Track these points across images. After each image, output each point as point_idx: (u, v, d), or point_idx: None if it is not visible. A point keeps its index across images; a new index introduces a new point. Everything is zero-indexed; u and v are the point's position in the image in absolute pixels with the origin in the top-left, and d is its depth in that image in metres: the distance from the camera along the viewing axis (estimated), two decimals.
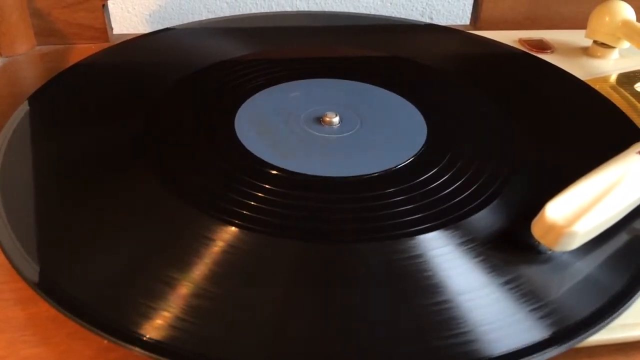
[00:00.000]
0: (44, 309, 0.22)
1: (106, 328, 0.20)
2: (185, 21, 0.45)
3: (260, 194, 0.26)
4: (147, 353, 0.20)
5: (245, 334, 0.21)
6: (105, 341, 0.20)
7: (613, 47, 0.43)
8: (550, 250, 0.24)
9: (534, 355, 0.20)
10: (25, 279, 0.22)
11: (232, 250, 0.23)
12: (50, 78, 0.35)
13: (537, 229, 0.24)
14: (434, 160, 0.29)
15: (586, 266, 0.24)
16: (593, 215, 0.23)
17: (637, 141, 0.28)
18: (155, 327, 0.20)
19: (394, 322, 0.21)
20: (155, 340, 0.20)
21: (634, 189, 0.25)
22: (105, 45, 0.41)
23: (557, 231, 0.23)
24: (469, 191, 0.27)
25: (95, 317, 0.20)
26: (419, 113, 0.33)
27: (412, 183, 0.28)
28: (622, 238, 0.25)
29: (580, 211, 0.23)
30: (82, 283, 0.22)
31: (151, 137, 0.30)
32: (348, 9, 0.60)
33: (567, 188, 0.24)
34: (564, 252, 0.24)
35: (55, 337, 0.22)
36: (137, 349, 0.20)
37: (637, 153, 0.26)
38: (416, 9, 0.61)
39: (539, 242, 0.24)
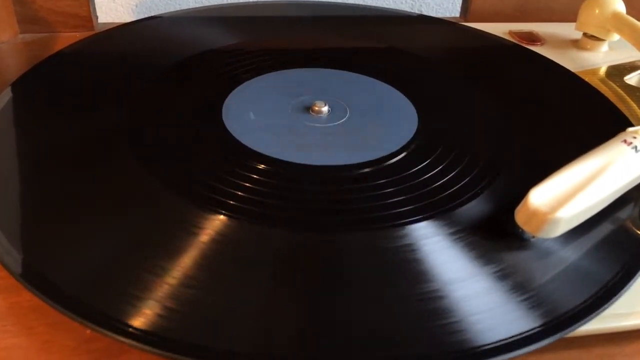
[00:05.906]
0: (26, 298, 0.22)
1: (91, 317, 0.20)
2: (172, 10, 0.44)
3: (248, 183, 0.26)
4: (131, 342, 0.19)
5: (232, 323, 0.20)
6: (88, 331, 0.20)
7: (603, 40, 0.43)
8: (534, 237, 0.24)
9: (526, 345, 0.20)
10: (7, 268, 0.21)
11: (219, 239, 0.23)
12: (34, 65, 0.34)
13: (520, 215, 0.24)
14: (424, 151, 0.29)
15: (578, 255, 0.24)
16: (577, 202, 0.23)
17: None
18: (141, 315, 0.20)
19: (383, 311, 0.21)
20: (141, 329, 0.19)
21: (619, 176, 0.25)
22: (90, 33, 0.40)
23: (540, 218, 0.23)
24: (459, 181, 0.27)
25: (79, 306, 0.20)
26: (409, 103, 0.33)
27: (401, 173, 0.27)
28: (614, 227, 0.25)
29: (563, 198, 0.23)
30: (65, 272, 0.21)
31: (137, 125, 0.29)
32: None
33: (552, 175, 0.24)
34: (557, 244, 0.24)
35: (37, 327, 0.21)
36: (122, 337, 0.19)
37: (622, 141, 0.26)
38: (406, 1, 0.60)
39: (522, 230, 0.24)
